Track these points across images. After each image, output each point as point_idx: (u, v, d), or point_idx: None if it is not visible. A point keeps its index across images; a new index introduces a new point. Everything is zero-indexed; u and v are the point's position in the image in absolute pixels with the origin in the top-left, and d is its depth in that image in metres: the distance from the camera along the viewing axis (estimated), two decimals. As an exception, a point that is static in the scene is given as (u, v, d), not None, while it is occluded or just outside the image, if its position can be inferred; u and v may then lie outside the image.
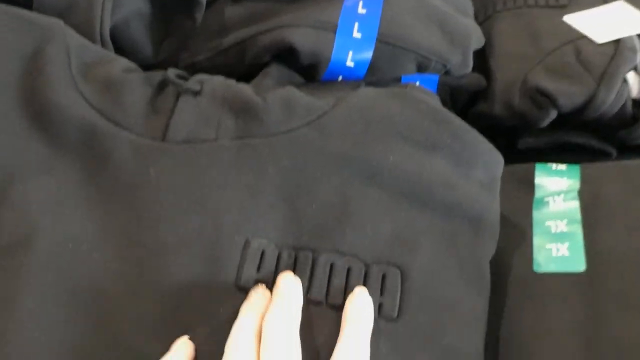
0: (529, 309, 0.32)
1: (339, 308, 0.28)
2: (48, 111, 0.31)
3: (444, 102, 0.41)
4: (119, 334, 0.27)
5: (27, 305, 0.27)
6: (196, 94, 0.33)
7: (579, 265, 0.33)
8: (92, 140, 0.31)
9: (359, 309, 0.28)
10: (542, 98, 0.41)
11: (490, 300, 0.31)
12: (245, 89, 0.33)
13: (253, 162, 0.31)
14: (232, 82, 0.34)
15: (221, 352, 0.25)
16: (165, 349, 0.26)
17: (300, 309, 0.28)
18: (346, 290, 0.29)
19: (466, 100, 0.46)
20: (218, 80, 0.34)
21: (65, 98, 0.31)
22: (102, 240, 0.29)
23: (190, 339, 0.27)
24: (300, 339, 0.27)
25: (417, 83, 0.40)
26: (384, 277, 0.29)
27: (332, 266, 0.29)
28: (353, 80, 0.40)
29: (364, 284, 0.29)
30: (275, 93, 0.33)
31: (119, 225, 0.29)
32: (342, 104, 0.32)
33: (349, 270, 0.29)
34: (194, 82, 0.33)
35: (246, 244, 0.29)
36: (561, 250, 0.34)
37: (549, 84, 0.40)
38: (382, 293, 0.29)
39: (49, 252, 0.28)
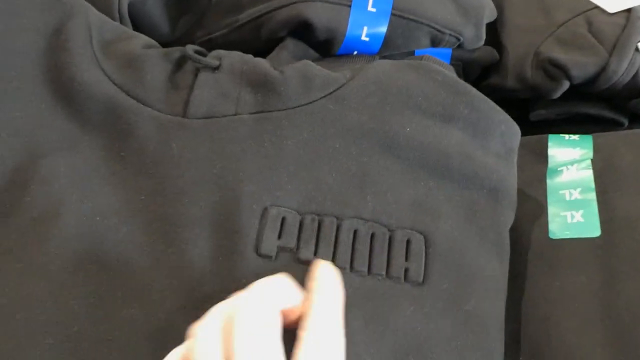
0: (546, 274, 0.33)
1: (363, 274, 0.29)
2: (71, 88, 0.32)
3: (457, 76, 0.42)
4: (146, 305, 0.28)
5: (56, 277, 0.28)
6: (215, 69, 0.33)
7: (594, 231, 0.34)
8: (115, 117, 0.32)
9: (325, 284, 0.26)
10: (554, 69, 0.41)
11: (509, 265, 0.32)
12: (263, 63, 0.34)
13: (272, 134, 0.31)
14: (249, 57, 0.34)
15: None
16: (191, 320, 0.27)
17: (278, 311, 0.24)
18: (371, 257, 0.29)
19: (478, 74, 0.46)
20: (236, 56, 0.34)
21: (88, 75, 0.32)
22: (128, 214, 0.30)
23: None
24: None
25: (431, 57, 0.41)
26: (408, 242, 0.30)
27: (355, 232, 0.29)
28: (368, 55, 0.41)
29: (388, 249, 0.29)
30: (293, 67, 0.33)
31: (143, 200, 0.30)
32: (359, 76, 0.33)
33: (372, 236, 0.30)
34: (212, 57, 0.33)
35: (264, 212, 0.29)
36: (576, 217, 0.35)
37: (561, 56, 0.41)
38: (407, 258, 0.29)
39: (76, 225, 0.29)
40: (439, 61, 0.36)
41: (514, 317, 0.32)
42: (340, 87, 0.32)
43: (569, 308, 0.31)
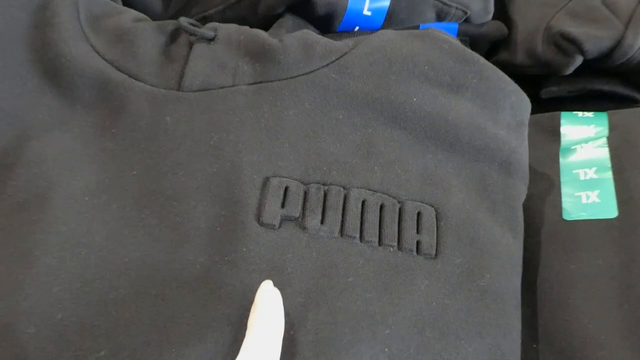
0: (561, 256, 0.31)
1: (374, 245, 0.27)
2: (60, 65, 0.30)
3: (465, 51, 0.40)
4: (138, 286, 0.26)
5: (45, 261, 0.26)
6: (210, 40, 0.32)
7: (611, 211, 0.32)
8: (105, 93, 0.30)
9: (264, 309, 0.23)
10: (566, 44, 0.39)
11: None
12: (261, 33, 0.32)
13: (272, 104, 0.30)
14: (246, 27, 0.33)
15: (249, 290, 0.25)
16: (191, 294, 0.25)
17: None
18: (381, 227, 0.28)
19: (487, 49, 0.44)
20: (232, 26, 0.32)
21: (77, 50, 0.30)
22: (120, 191, 0.28)
23: (220, 279, 0.26)
24: (334, 276, 0.26)
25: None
26: (419, 215, 0.28)
27: (364, 203, 0.28)
28: (370, 31, 0.39)
29: (399, 221, 0.28)
30: (292, 35, 0.32)
31: (136, 175, 0.28)
32: (362, 45, 0.31)
33: (382, 207, 0.28)
34: (208, 28, 0.32)
35: (266, 182, 0.28)
36: (591, 197, 0.33)
37: (574, 29, 0.39)
38: (418, 231, 0.28)
39: (65, 207, 0.27)
40: (446, 33, 0.34)
41: (528, 301, 0.31)
42: (343, 55, 0.31)
43: (586, 292, 0.30)
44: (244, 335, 0.23)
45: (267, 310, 0.23)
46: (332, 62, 0.31)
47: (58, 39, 0.30)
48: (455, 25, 0.41)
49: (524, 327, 0.29)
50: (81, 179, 0.28)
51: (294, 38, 0.31)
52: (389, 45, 0.31)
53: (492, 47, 0.44)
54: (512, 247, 0.29)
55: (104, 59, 0.31)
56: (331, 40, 0.32)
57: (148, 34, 0.31)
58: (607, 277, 0.30)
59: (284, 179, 0.28)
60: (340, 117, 0.30)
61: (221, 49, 0.31)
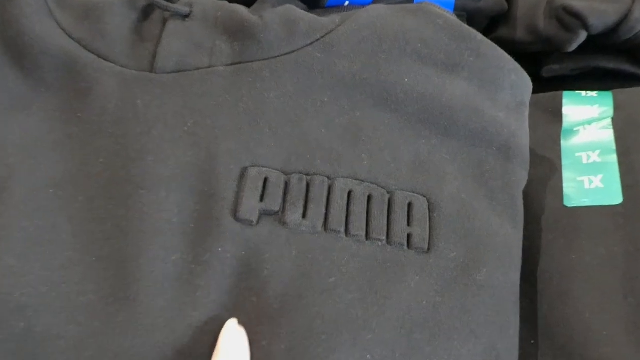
0: (561, 245, 0.30)
1: (360, 239, 0.25)
2: (21, 43, 0.28)
3: (462, 27, 0.38)
4: (110, 287, 0.24)
5: (6, 261, 0.24)
6: (186, 17, 0.29)
7: (615, 197, 0.30)
8: (72, 74, 0.28)
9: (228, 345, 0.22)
10: (570, 19, 0.37)
11: None
12: (240, 9, 0.30)
13: (251, 87, 0.28)
14: (224, 2, 0.31)
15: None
16: (162, 296, 0.24)
17: None
18: (368, 220, 0.26)
19: (485, 26, 0.43)
20: (209, 2, 0.30)
21: (40, 27, 0.28)
22: (86, 182, 0.26)
23: (195, 282, 0.24)
24: (314, 276, 0.24)
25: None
26: (410, 206, 0.26)
27: (350, 194, 0.26)
28: (361, 6, 0.37)
29: (388, 213, 0.26)
30: (274, 11, 0.29)
31: (103, 163, 0.27)
32: (350, 21, 0.29)
33: (369, 198, 0.26)
34: (182, 4, 0.30)
35: (243, 173, 0.26)
36: (594, 182, 0.31)
37: (578, 3, 0.37)
38: (409, 223, 0.26)
39: (28, 200, 0.25)
40: (441, 7, 0.32)
41: (526, 293, 0.29)
42: (329, 32, 0.29)
43: (588, 283, 0.28)
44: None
45: (232, 356, 0.22)
46: (317, 40, 0.29)
47: (20, 15, 0.28)
48: (452, 0, 0.38)
49: (522, 321, 0.27)
50: (45, 168, 0.26)
51: (276, 14, 0.29)
52: (378, 21, 0.29)
53: (490, 23, 0.43)
54: (511, 238, 0.28)
55: (70, 37, 0.29)
56: (316, 17, 0.30)
57: (118, 10, 0.29)
58: (611, 268, 0.28)
59: (264, 169, 0.26)
60: (326, 99, 0.28)
61: (197, 26, 0.29)
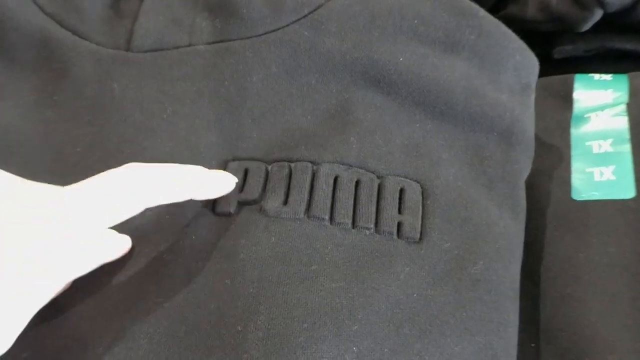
0: (568, 242, 0.28)
1: (346, 227, 0.24)
2: None
3: (468, 4, 0.36)
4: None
5: None
6: None
7: (628, 191, 0.28)
8: (47, 53, 0.27)
9: None
10: None
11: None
12: None
13: (233, 69, 0.26)
14: None
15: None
16: (135, 287, 0.23)
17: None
18: (356, 206, 0.24)
19: (494, 2, 0.40)
20: None
21: (12, 2, 0.26)
22: (62, 173, 0.25)
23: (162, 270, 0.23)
24: (294, 263, 0.22)
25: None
26: (401, 192, 0.24)
27: (336, 179, 0.24)
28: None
29: (377, 199, 0.24)
30: None
31: (80, 152, 0.25)
32: None
33: (357, 184, 0.24)
34: None
35: (223, 168, 0.25)
36: (605, 174, 0.29)
37: (594, -22, 0.34)
38: (400, 211, 0.24)
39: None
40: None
41: (528, 291, 0.27)
42: (317, 8, 0.27)
43: (595, 284, 0.26)
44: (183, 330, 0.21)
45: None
46: (304, 16, 0.27)
47: None
48: (457, -26, 0.36)
49: (522, 322, 0.25)
50: (19, 157, 0.25)
51: None
52: None
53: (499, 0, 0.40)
54: (511, 229, 0.26)
55: (44, 11, 0.27)
56: None
57: None
58: (620, 268, 0.26)
59: (244, 161, 0.25)
60: (313, 82, 0.26)
61: (176, 2, 0.28)
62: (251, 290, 0.22)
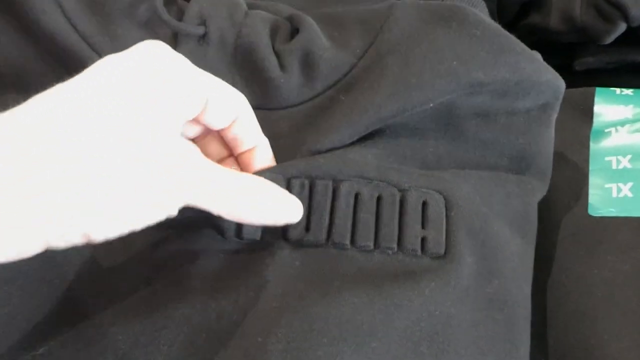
0: (583, 258, 0.28)
1: (368, 249, 0.23)
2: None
3: (491, 13, 0.35)
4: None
5: None
6: (200, 38, 0.27)
7: (645, 209, 0.28)
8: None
9: None
10: (609, 8, 0.35)
11: (537, 244, 0.27)
12: (259, 35, 0.27)
13: (268, 136, 0.26)
14: (241, 18, 0.28)
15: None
16: (166, 285, 0.23)
17: None
18: (378, 226, 0.24)
19: (517, 11, 0.40)
20: (225, 19, 0.27)
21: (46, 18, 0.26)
22: None
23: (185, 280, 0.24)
24: (317, 279, 0.23)
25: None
26: (424, 205, 0.24)
27: (357, 197, 0.24)
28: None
29: (400, 214, 0.24)
30: (293, 49, 0.27)
31: None
32: (372, 51, 0.27)
33: (379, 200, 0.24)
34: (193, 17, 0.27)
35: None
36: (623, 190, 0.29)
37: (619, -9, 0.34)
38: (423, 225, 0.24)
39: None
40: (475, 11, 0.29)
41: (539, 306, 0.27)
42: (351, 69, 0.27)
43: (608, 302, 0.26)
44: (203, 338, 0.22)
45: None
46: (339, 80, 0.27)
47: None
48: (482, -18, 0.36)
49: (532, 337, 0.25)
50: None
51: (295, 56, 0.27)
52: (406, 40, 0.26)
53: (522, 8, 0.40)
54: (521, 249, 0.26)
55: (74, 28, 0.26)
56: (336, 52, 0.27)
57: (124, 12, 0.27)
58: (634, 286, 0.26)
59: (266, 173, 0.25)
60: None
61: (214, 53, 0.27)
62: (274, 304, 0.22)
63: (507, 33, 0.26)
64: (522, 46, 0.26)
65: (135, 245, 0.24)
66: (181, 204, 0.20)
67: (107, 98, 0.18)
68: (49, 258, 0.23)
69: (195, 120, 0.22)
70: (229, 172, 0.21)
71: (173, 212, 0.20)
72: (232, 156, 0.25)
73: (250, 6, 0.29)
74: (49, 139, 0.17)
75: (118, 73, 0.19)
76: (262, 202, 0.22)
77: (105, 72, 0.19)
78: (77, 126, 0.17)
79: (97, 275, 0.24)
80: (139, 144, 0.18)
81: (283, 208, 0.22)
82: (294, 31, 0.28)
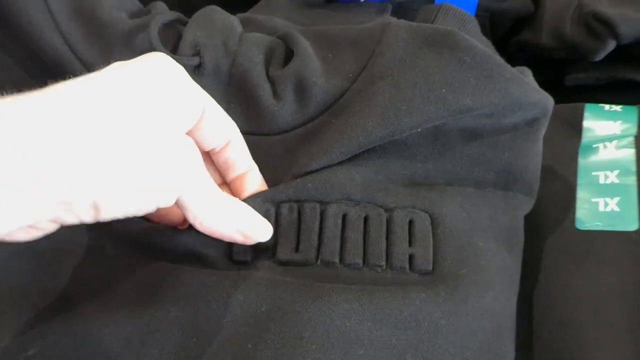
0: (569, 269, 0.28)
1: (357, 267, 0.24)
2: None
3: (483, 29, 0.36)
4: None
5: None
6: (196, 68, 0.28)
7: (631, 223, 0.28)
8: None
9: None
10: (599, 26, 0.35)
11: (524, 257, 0.28)
12: (253, 62, 0.28)
13: (260, 160, 0.27)
14: (234, 44, 0.28)
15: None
16: (158, 288, 0.24)
17: None
18: (366, 245, 0.24)
19: (508, 28, 0.41)
20: (219, 48, 0.28)
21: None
22: None
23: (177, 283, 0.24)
24: (307, 288, 0.23)
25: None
26: (410, 224, 0.25)
27: (344, 217, 0.25)
28: (378, 1, 0.35)
29: (387, 234, 0.25)
30: (287, 76, 0.28)
31: None
32: (364, 76, 0.27)
33: (366, 220, 0.25)
34: (188, 47, 0.28)
35: None
36: (610, 205, 0.30)
37: (609, 10, 0.35)
38: (410, 243, 0.24)
39: None
40: (462, 14, 0.30)
41: (525, 315, 0.28)
42: (343, 94, 0.27)
43: (594, 312, 0.27)
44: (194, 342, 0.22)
45: None
46: (332, 105, 0.27)
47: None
48: (475, 0, 0.37)
49: (518, 348, 0.26)
50: None
51: (289, 81, 0.28)
52: (397, 66, 0.27)
53: (514, 25, 0.41)
54: (508, 262, 0.26)
55: (76, 56, 0.28)
56: (328, 78, 0.28)
57: (121, 39, 0.28)
58: (620, 297, 0.27)
59: (257, 199, 0.25)
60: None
61: (210, 82, 0.28)
62: (264, 308, 0.22)
63: (497, 58, 0.27)
64: (511, 71, 0.27)
65: (128, 249, 0.25)
66: (177, 194, 0.21)
67: (119, 94, 0.20)
68: (40, 259, 0.24)
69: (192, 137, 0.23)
70: (215, 185, 0.23)
71: (170, 201, 0.21)
72: (224, 184, 0.26)
73: (246, 22, 0.30)
74: (64, 126, 0.18)
75: (127, 75, 0.21)
76: (235, 218, 0.23)
77: (116, 74, 0.21)
78: (96, 115, 0.19)
79: (88, 277, 0.25)
80: (145, 134, 0.20)
81: (254, 226, 0.24)
82: (289, 52, 0.29)
